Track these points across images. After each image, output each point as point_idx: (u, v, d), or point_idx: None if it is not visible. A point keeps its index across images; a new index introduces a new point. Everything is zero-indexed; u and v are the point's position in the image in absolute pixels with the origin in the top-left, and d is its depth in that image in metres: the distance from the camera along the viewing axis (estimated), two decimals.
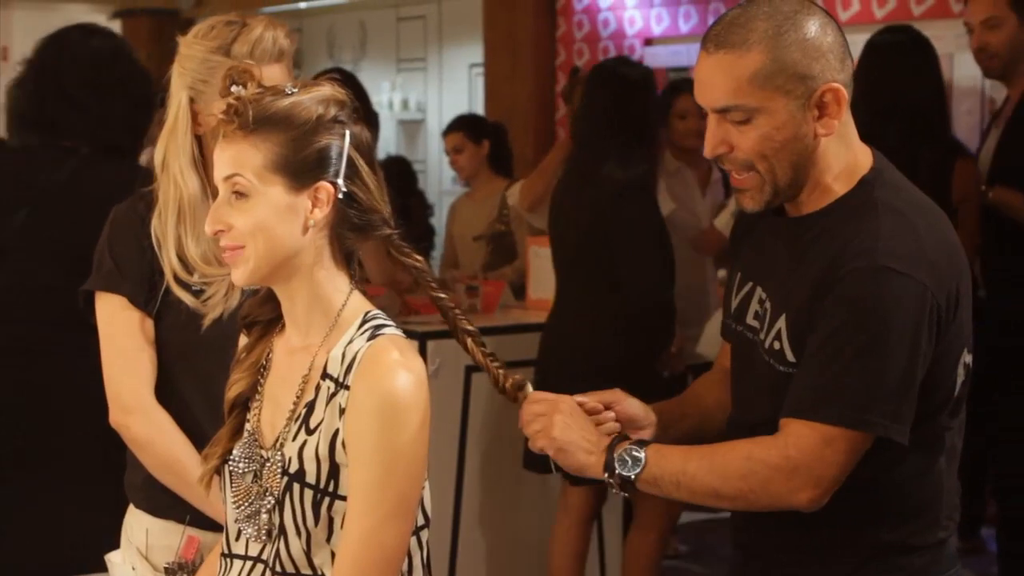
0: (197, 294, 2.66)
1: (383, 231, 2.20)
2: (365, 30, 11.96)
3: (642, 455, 2.31)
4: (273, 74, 2.62)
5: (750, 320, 2.45)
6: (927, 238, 2.29)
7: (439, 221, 8.84)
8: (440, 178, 11.00)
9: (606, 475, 2.33)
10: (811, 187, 2.36)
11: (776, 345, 2.34)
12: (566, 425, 2.36)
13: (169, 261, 2.66)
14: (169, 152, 2.69)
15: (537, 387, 2.42)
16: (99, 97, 3.60)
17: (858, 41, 6.87)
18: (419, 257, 2.25)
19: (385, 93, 11.25)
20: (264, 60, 2.63)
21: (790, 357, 2.32)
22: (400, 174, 7.99)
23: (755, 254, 2.51)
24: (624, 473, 2.31)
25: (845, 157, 2.37)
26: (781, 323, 2.34)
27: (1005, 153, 4.77)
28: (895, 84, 4.52)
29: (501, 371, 2.36)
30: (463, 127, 6.98)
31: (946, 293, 2.27)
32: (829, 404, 2.23)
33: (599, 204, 4.66)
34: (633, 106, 4.77)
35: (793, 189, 2.35)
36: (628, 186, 4.65)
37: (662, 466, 2.31)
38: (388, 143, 11.03)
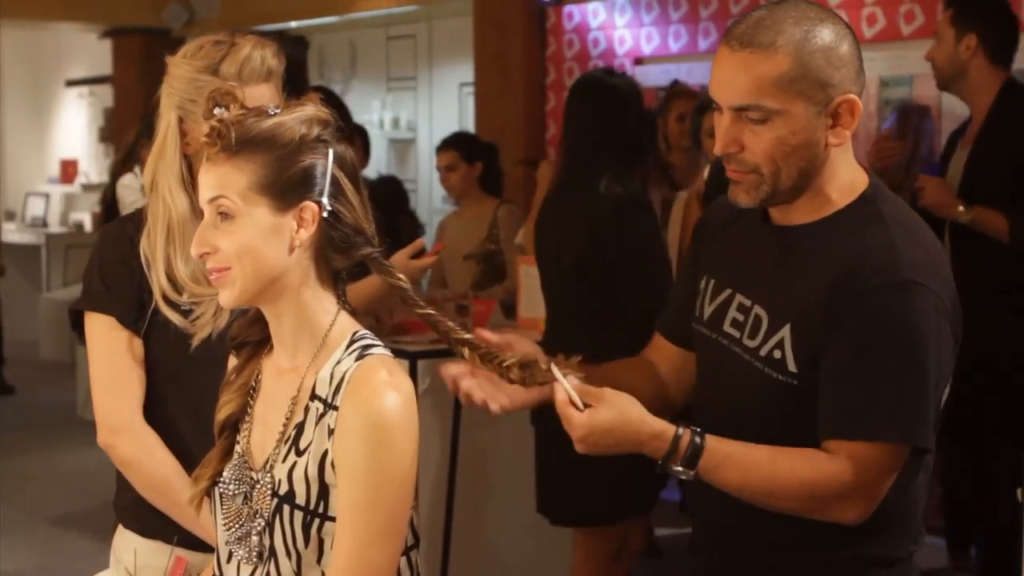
0: (186, 314, 2.66)
1: (365, 251, 2.19)
2: (355, 49, 11.98)
3: (702, 441, 2.27)
4: (261, 94, 2.62)
5: (728, 328, 2.44)
6: (933, 250, 2.34)
7: (429, 240, 8.84)
8: (431, 196, 11.01)
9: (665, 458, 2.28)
10: (811, 196, 2.36)
11: (777, 354, 2.34)
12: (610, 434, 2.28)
13: (158, 281, 2.66)
14: (158, 172, 2.70)
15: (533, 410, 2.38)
16: None
17: None
18: (402, 276, 2.24)
19: (375, 112, 11.26)
20: (252, 80, 2.63)
21: (792, 367, 2.32)
22: (391, 193, 7.99)
23: (730, 261, 2.50)
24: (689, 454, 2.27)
25: (848, 170, 2.38)
26: (784, 333, 2.33)
27: (975, 171, 4.82)
28: None
29: (504, 364, 2.29)
30: (457, 146, 6.97)
31: (952, 305, 2.32)
32: (884, 422, 2.24)
33: (599, 222, 4.47)
34: (626, 118, 4.66)
35: (793, 194, 2.35)
36: (628, 202, 4.50)
37: (724, 452, 2.28)
38: (379, 162, 11.03)
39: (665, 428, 2.26)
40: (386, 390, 2.09)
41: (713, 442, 2.27)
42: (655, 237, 4.65)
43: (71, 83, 15.47)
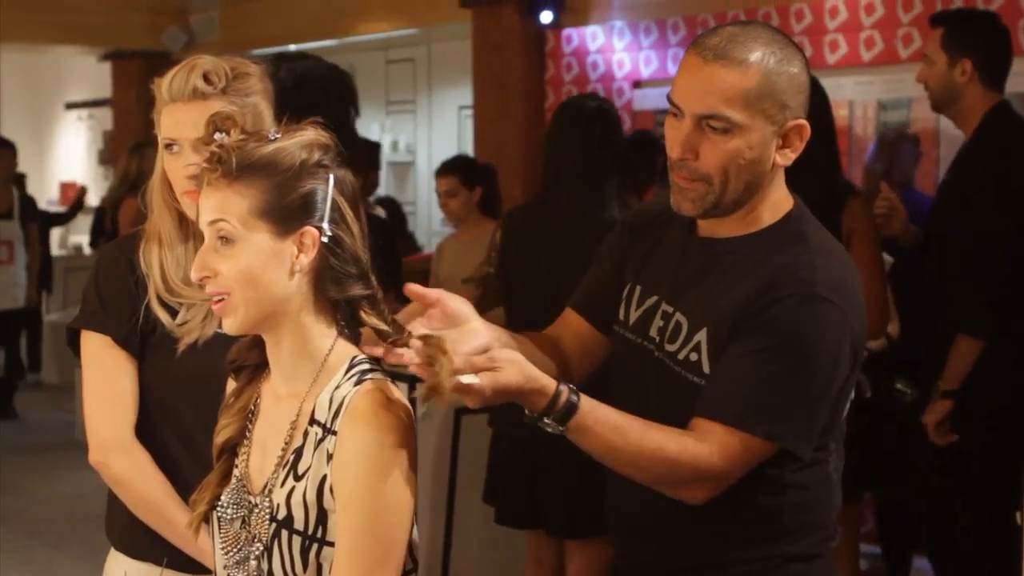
0: (175, 316, 2.67)
1: (357, 291, 2.16)
2: (354, 72, 11.96)
3: (578, 400, 2.28)
4: (193, 112, 2.58)
5: (652, 332, 2.52)
6: (849, 275, 2.45)
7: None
8: (429, 219, 11.03)
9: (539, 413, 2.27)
10: (745, 211, 2.46)
11: (693, 357, 2.43)
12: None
13: (154, 281, 2.69)
14: (153, 190, 2.73)
15: None
16: None
17: (844, 83, 6.95)
18: (386, 320, 2.18)
19: (374, 135, 11.28)
20: (180, 98, 2.62)
21: (706, 369, 2.41)
22: (390, 215, 7.99)
23: (656, 269, 2.57)
24: (560, 409, 2.26)
25: (778, 191, 2.49)
26: (701, 336, 2.42)
27: (941, 193, 4.85)
28: None
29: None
30: (458, 171, 6.95)
31: (859, 330, 2.42)
32: (755, 416, 2.32)
33: None
34: (618, 142, 4.64)
35: (735, 206, 2.44)
36: None
37: (597, 416, 2.30)
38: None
39: (548, 383, 2.26)
40: (385, 415, 2.08)
41: (588, 404, 2.29)
42: None
43: (71, 106, 15.52)
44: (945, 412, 4.49)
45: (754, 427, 2.32)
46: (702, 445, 2.32)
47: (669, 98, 2.44)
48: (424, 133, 11.43)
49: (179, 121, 2.60)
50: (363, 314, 2.17)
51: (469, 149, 9.49)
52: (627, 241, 2.67)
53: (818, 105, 4.53)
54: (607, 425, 2.31)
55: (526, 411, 2.29)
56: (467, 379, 2.17)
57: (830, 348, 2.35)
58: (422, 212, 11.24)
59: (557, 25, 8.71)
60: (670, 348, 2.47)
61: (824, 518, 2.50)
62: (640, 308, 2.56)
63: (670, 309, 2.49)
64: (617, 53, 8.36)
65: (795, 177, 2.52)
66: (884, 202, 4.75)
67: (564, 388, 2.27)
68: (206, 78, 2.62)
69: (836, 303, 2.35)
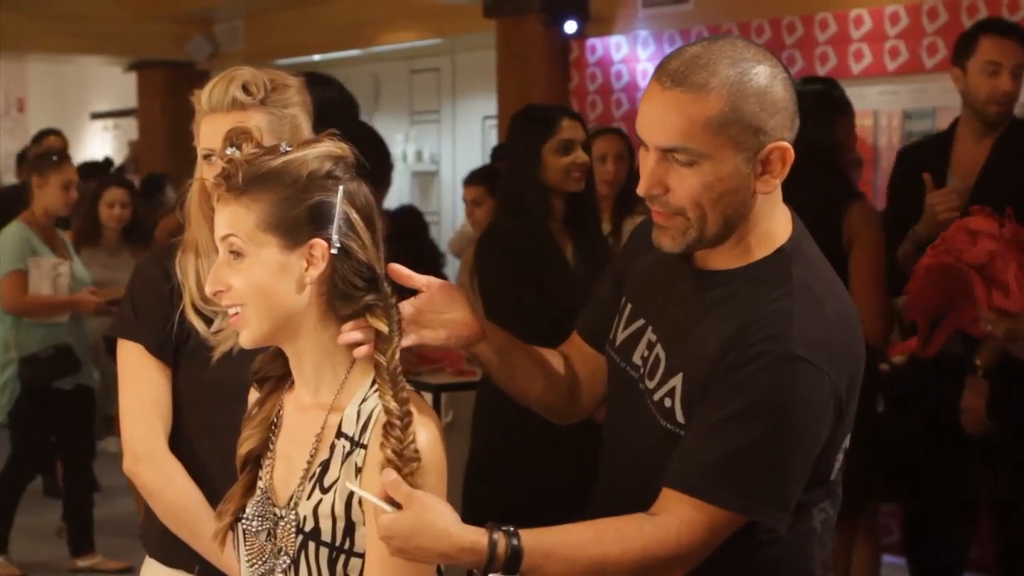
0: (211, 324, 2.68)
1: (368, 302, 2.15)
2: (379, 83, 12.03)
3: (519, 543, 2.09)
4: (231, 123, 2.60)
5: (636, 359, 2.37)
6: (835, 325, 2.23)
7: (451, 271, 8.85)
8: (453, 228, 11.02)
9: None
10: (733, 242, 2.28)
11: (667, 403, 2.27)
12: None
13: (189, 289, 2.69)
14: (191, 200, 2.74)
15: None
16: None
17: (869, 93, 6.94)
18: (391, 324, 2.16)
19: (399, 145, 11.30)
20: (219, 108, 2.63)
21: (680, 418, 2.25)
22: (412, 224, 8.01)
23: (648, 289, 2.42)
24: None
25: (769, 220, 2.29)
26: (676, 382, 2.27)
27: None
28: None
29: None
30: (485, 181, 6.96)
31: (847, 383, 2.23)
32: (723, 486, 2.15)
33: None
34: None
35: (718, 240, 2.26)
36: None
37: (545, 551, 2.12)
38: (402, 194, 11.07)
39: (477, 539, 2.07)
40: (415, 428, 2.08)
41: (531, 541, 2.11)
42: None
43: (96, 116, 15.58)
44: (985, 394, 4.43)
45: (726, 502, 2.15)
46: (667, 531, 2.15)
47: (636, 132, 2.27)
48: (448, 143, 11.44)
49: (217, 131, 2.59)
50: (370, 317, 2.15)
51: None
52: (630, 254, 2.55)
53: (813, 119, 4.53)
54: (560, 557, 2.13)
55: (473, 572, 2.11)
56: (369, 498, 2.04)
57: (807, 414, 2.17)
58: (446, 221, 11.25)
59: (581, 35, 8.71)
60: (649, 384, 2.32)
61: (804, 571, 2.34)
62: (627, 329, 2.42)
63: (653, 338, 2.34)
64: (641, 63, 8.36)
65: (785, 190, 2.38)
66: (951, 198, 4.57)
67: (499, 536, 2.08)
68: (245, 89, 2.62)
69: (814, 363, 2.15)
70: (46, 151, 7.17)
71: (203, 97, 2.66)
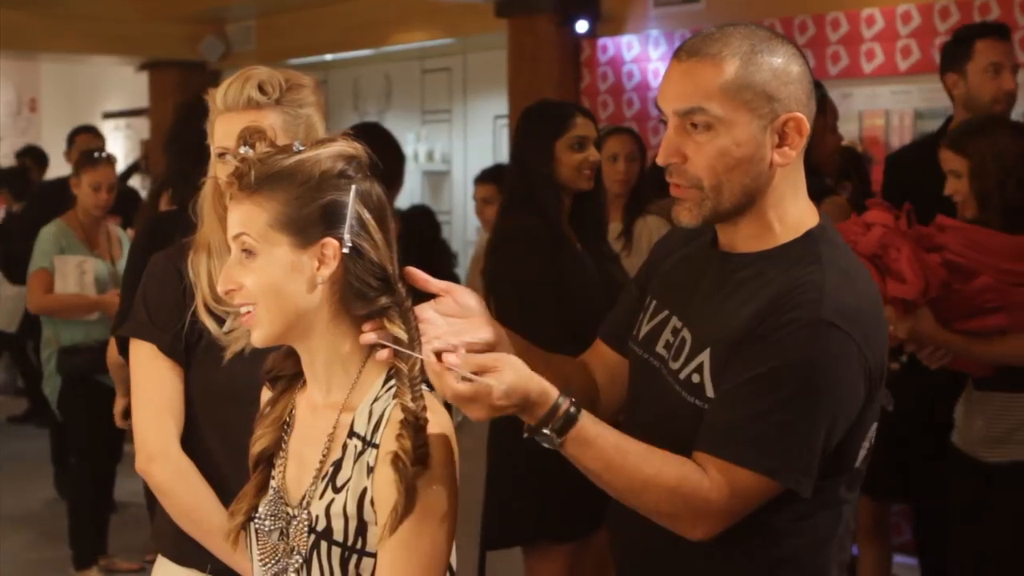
0: (223, 324, 2.68)
1: (383, 303, 2.15)
2: (390, 82, 12.03)
3: (577, 412, 2.18)
4: (248, 121, 2.61)
5: (659, 349, 2.40)
6: (865, 302, 2.28)
7: (463, 270, 8.86)
8: (465, 228, 11.04)
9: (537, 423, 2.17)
10: (754, 221, 2.33)
11: (695, 379, 2.30)
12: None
13: (201, 289, 2.70)
14: (204, 200, 2.74)
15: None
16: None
17: (881, 92, 6.93)
18: (409, 329, 2.15)
19: (410, 144, 11.30)
20: (235, 107, 2.64)
21: (709, 392, 2.27)
22: (424, 223, 8.02)
23: (673, 283, 2.47)
24: (558, 423, 2.17)
25: (795, 206, 2.34)
26: (704, 357, 2.29)
27: None
28: None
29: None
30: (496, 180, 6.99)
31: (877, 361, 2.25)
32: (757, 450, 2.18)
33: None
34: None
35: (736, 212, 2.31)
36: None
37: (598, 431, 2.19)
38: (413, 194, 11.07)
39: (549, 390, 2.16)
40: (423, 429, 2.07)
41: (588, 420, 2.18)
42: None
43: (108, 115, 15.59)
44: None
45: (748, 460, 2.18)
46: (702, 478, 2.19)
47: (656, 105, 2.37)
48: (459, 142, 11.44)
49: (232, 130, 2.60)
50: (386, 321, 2.15)
51: (505, 158, 9.49)
52: (653, 262, 2.59)
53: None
54: (607, 442, 2.19)
55: (524, 424, 2.18)
56: (463, 386, 2.08)
57: (836, 378, 2.19)
58: (457, 221, 11.25)
59: (592, 35, 8.71)
60: (674, 366, 2.34)
61: (822, 571, 2.35)
62: (651, 323, 2.46)
63: (679, 324, 2.38)
64: (652, 63, 8.35)
65: None
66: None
67: (564, 399, 2.16)
68: (261, 88, 2.63)
69: (844, 329, 2.19)
70: (86, 150, 7.21)
71: (218, 96, 2.67)
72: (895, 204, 4.32)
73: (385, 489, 2.07)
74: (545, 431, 2.16)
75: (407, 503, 2.03)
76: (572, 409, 2.16)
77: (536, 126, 4.58)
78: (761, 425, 2.18)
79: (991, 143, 4.17)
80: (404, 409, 2.08)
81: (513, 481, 4.53)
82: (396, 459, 2.05)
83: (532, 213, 4.46)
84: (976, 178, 4.17)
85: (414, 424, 2.07)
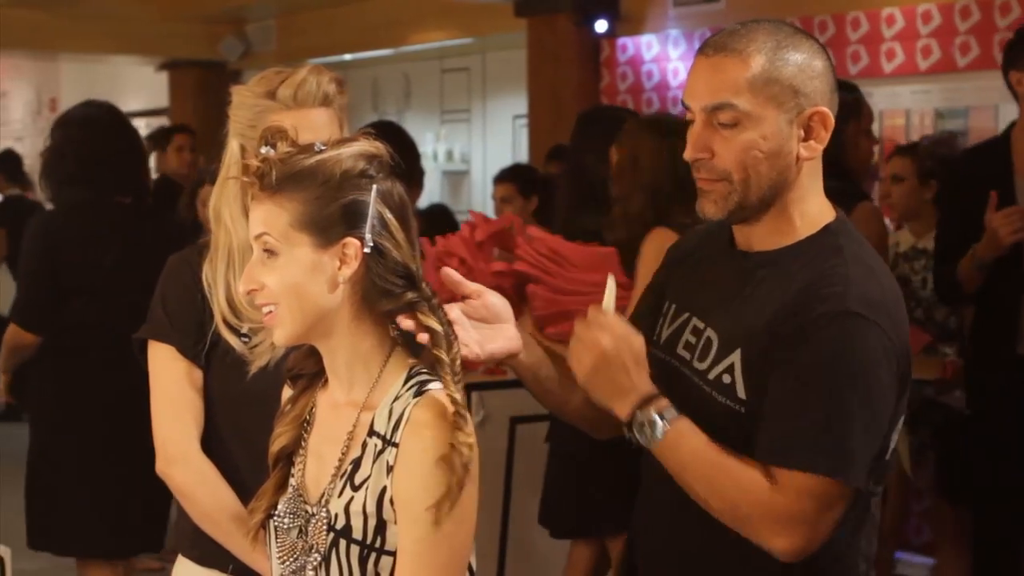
0: (246, 340, 2.68)
1: (409, 296, 2.15)
2: (409, 82, 12.04)
3: (675, 415, 2.27)
4: (319, 118, 2.63)
5: (680, 350, 2.41)
6: (890, 295, 2.30)
7: None
8: None
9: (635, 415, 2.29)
10: (776, 216, 2.34)
11: (726, 379, 2.31)
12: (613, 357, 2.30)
13: (219, 304, 2.69)
14: (221, 200, 2.72)
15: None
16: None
17: (901, 92, 6.91)
18: (442, 323, 2.16)
19: (429, 144, 11.31)
20: (307, 103, 2.65)
21: (741, 393, 2.28)
22: (443, 223, 8.02)
23: (691, 285, 2.47)
24: (654, 420, 2.27)
25: (816, 200, 2.36)
26: (735, 358, 2.30)
27: None
28: None
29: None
30: (515, 179, 6.98)
31: (904, 353, 2.27)
32: (813, 452, 2.19)
33: None
34: None
35: (762, 207, 2.32)
36: None
37: (690, 434, 2.27)
38: (432, 193, 11.06)
39: (649, 383, 2.28)
40: (447, 427, 2.08)
41: (675, 418, 2.28)
42: None
43: (128, 115, 15.61)
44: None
45: (807, 463, 2.19)
46: (771, 484, 2.21)
47: (682, 102, 2.38)
48: (479, 142, 11.45)
49: (311, 126, 2.59)
50: (420, 315, 2.15)
51: (524, 158, 9.49)
52: (671, 266, 2.58)
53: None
54: (701, 438, 2.26)
55: (625, 413, 2.27)
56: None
57: (870, 367, 2.20)
58: None
59: (612, 34, 8.71)
60: (699, 366, 2.35)
61: (851, 565, 2.36)
62: (671, 326, 2.46)
63: (701, 324, 2.38)
64: (672, 62, 8.35)
65: None
66: (1014, 219, 4.48)
67: (663, 397, 2.27)
68: (338, 84, 2.68)
69: (871, 319, 2.20)
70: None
71: (285, 92, 2.65)
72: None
73: (407, 486, 2.07)
74: (654, 416, 2.26)
75: (453, 498, 2.04)
76: (671, 414, 2.27)
77: (595, 130, 4.91)
78: (809, 426, 2.19)
79: None
80: (453, 402, 2.08)
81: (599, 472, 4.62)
82: (453, 451, 2.04)
83: (599, 213, 4.60)
84: None
85: (461, 416, 2.08)
